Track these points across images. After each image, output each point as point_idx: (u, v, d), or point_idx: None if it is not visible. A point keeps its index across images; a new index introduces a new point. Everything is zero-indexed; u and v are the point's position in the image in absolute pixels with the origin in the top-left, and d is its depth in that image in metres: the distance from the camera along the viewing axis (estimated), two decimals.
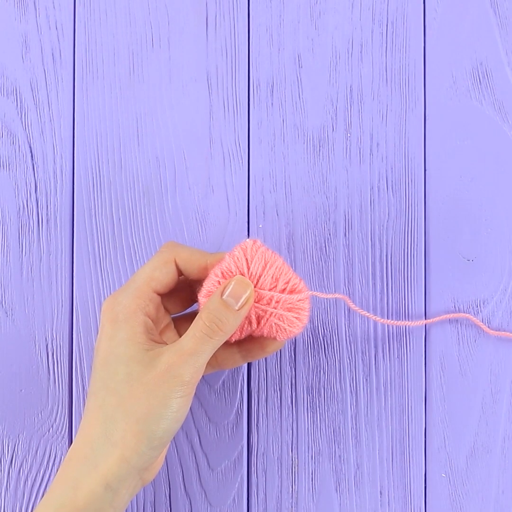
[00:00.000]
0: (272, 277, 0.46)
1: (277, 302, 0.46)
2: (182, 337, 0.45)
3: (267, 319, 0.47)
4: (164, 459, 0.52)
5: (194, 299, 0.49)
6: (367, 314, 0.51)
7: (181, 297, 0.50)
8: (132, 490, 0.46)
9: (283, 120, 0.54)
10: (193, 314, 0.48)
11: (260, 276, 0.46)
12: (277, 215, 0.54)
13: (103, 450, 0.45)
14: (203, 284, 0.47)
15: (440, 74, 0.54)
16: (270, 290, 0.47)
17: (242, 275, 0.46)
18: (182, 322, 0.50)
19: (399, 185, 0.53)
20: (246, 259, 0.46)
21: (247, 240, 0.47)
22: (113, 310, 0.47)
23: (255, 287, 0.46)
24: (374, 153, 0.53)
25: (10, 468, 0.53)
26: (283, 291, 0.47)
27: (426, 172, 0.53)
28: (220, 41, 0.54)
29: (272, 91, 0.54)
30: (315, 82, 0.54)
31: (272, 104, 0.54)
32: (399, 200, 0.53)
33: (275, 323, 0.47)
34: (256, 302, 0.46)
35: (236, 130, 0.54)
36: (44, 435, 0.53)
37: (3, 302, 0.53)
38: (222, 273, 0.46)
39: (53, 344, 0.53)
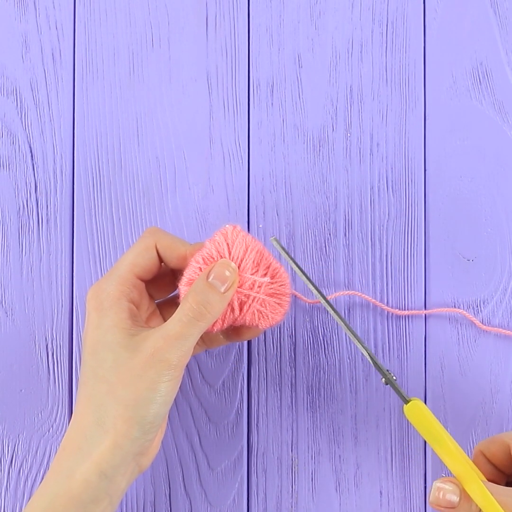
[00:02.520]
0: (254, 262, 0.47)
1: (259, 286, 0.47)
2: (168, 320, 0.45)
3: (250, 304, 0.47)
4: (163, 452, 0.53)
5: (177, 285, 0.50)
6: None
7: (165, 283, 0.51)
8: (128, 477, 0.46)
9: (283, 120, 0.54)
10: (177, 298, 0.49)
11: (241, 260, 0.47)
12: (277, 215, 0.54)
13: (96, 438, 0.45)
14: (184, 272, 0.47)
15: (440, 74, 0.54)
16: (251, 274, 0.47)
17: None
18: (167, 307, 0.50)
19: (399, 185, 0.53)
20: (227, 244, 0.47)
21: (227, 225, 0.47)
22: (98, 298, 0.47)
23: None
24: (374, 153, 0.53)
25: (10, 468, 0.53)
26: (264, 276, 0.47)
27: (426, 172, 0.53)
28: (220, 41, 0.54)
29: (272, 91, 0.54)
30: (315, 82, 0.54)
31: (272, 104, 0.54)
32: (399, 200, 0.53)
33: (257, 310, 0.47)
34: (238, 287, 0.47)
35: (236, 130, 0.54)
36: (44, 435, 0.53)
37: (3, 302, 0.53)
38: (203, 259, 0.46)
39: (53, 344, 0.54)
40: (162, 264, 0.49)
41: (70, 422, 0.46)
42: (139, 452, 0.45)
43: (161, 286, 0.50)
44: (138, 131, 0.54)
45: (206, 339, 0.50)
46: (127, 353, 0.45)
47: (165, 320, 0.48)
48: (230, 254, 0.46)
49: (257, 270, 0.46)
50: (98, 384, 0.45)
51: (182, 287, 0.46)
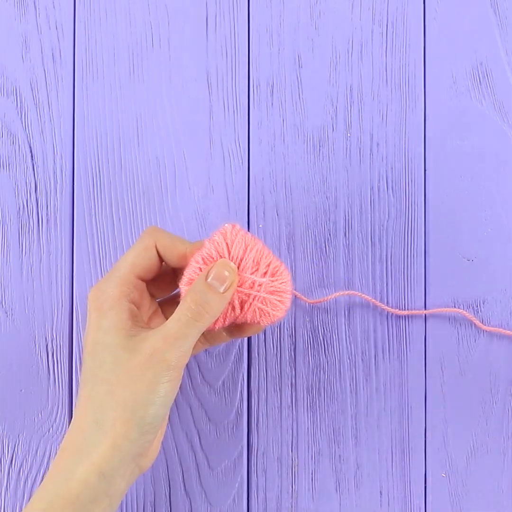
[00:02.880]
0: (253, 260, 0.46)
1: (259, 285, 0.46)
2: (168, 321, 0.45)
3: (251, 303, 0.46)
4: (163, 452, 0.53)
5: (178, 284, 0.49)
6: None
7: (166, 281, 0.50)
8: (128, 478, 0.46)
9: (283, 120, 0.54)
10: (179, 297, 0.49)
11: (241, 260, 0.46)
12: (277, 215, 0.54)
13: (95, 439, 0.45)
14: (184, 272, 0.47)
15: (440, 74, 0.54)
16: (251, 273, 0.46)
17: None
18: (169, 306, 0.50)
19: (399, 185, 0.53)
20: (226, 244, 0.46)
21: (226, 224, 0.47)
22: (98, 300, 0.47)
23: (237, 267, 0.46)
24: (374, 153, 0.53)
25: (10, 468, 0.53)
26: (264, 274, 0.47)
27: (426, 172, 0.53)
28: (220, 41, 0.54)
29: (272, 91, 0.54)
30: (315, 82, 0.54)
31: (272, 104, 0.54)
32: (399, 200, 0.53)
33: (258, 308, 0.47)
34: (238, 287, 0.46)
35: (236, 130, 0.54)
36: (44, 435, 0.53)
37: (3, 302, 0.53)
38: (203, 259, 0.46)
39: (53, 344, 0.54)
40: (163, 263, 0.49)
41: (70, 423, 0.46)
42: (138, 453, 0.45)
43: (162, 285, 0.50)
44: (138, 131, 0.54)
45: (208, 336, 0.50)
46: (126, 354, 0.45)
47: (167, 319, 0.47)
48: (229, 253, 0.46)
49: (257, 269, 0.46)
50: (98, 385, 0.45)
51: (183, 287, 0.46)
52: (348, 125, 0.53)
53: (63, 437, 0.52)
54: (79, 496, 0.44)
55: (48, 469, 0.53)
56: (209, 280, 0.45)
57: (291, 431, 0.53)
